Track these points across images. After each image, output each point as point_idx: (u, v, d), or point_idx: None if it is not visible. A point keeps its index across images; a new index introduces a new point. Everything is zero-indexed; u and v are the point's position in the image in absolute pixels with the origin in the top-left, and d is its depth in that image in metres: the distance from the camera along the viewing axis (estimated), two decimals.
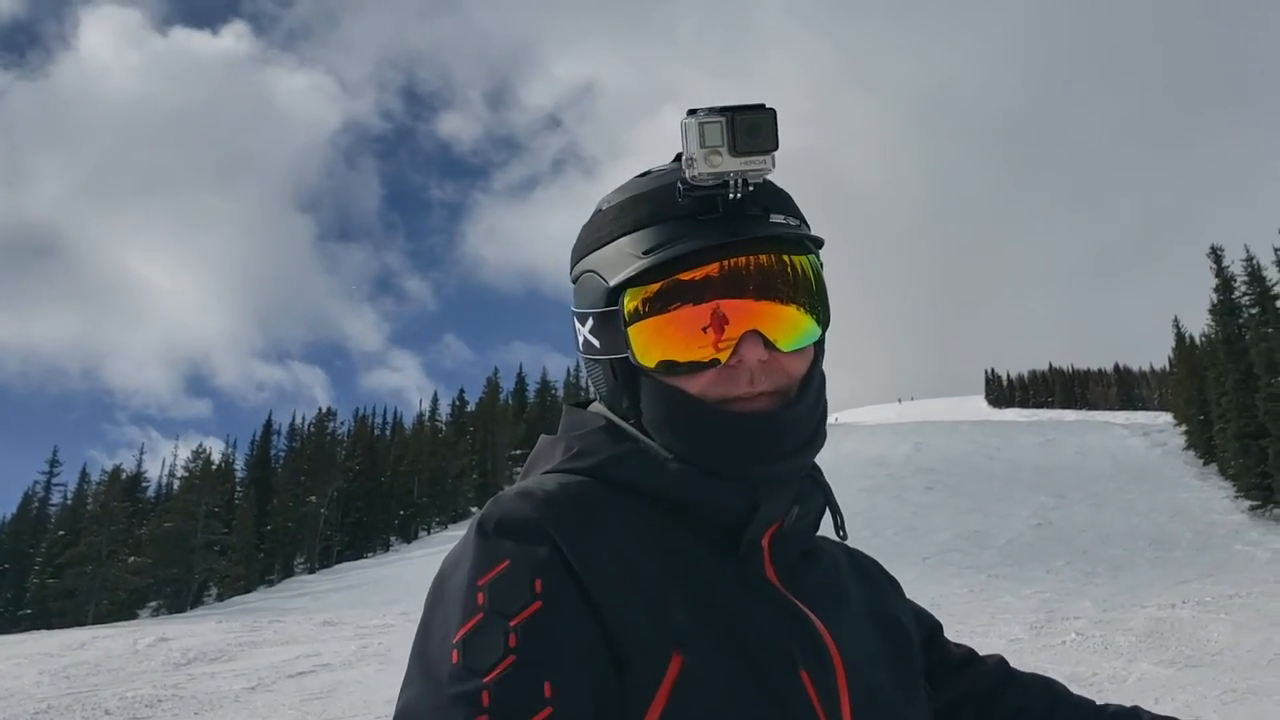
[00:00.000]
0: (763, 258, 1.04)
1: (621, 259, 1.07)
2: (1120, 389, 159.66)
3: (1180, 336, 75.35)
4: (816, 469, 1.17)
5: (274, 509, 73.05)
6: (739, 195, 1.02)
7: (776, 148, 1.02)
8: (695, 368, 1.04)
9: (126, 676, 15.54)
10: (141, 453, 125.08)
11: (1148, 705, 1.51)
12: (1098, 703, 1.32)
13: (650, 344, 1.05)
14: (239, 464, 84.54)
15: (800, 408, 1.08)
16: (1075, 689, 1.35)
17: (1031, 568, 28.54)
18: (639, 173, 1.17)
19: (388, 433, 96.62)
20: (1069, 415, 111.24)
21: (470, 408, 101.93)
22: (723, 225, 1.03)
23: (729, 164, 1.00)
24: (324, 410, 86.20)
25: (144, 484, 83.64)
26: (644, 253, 1.04)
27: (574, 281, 1.17)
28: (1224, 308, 53.58)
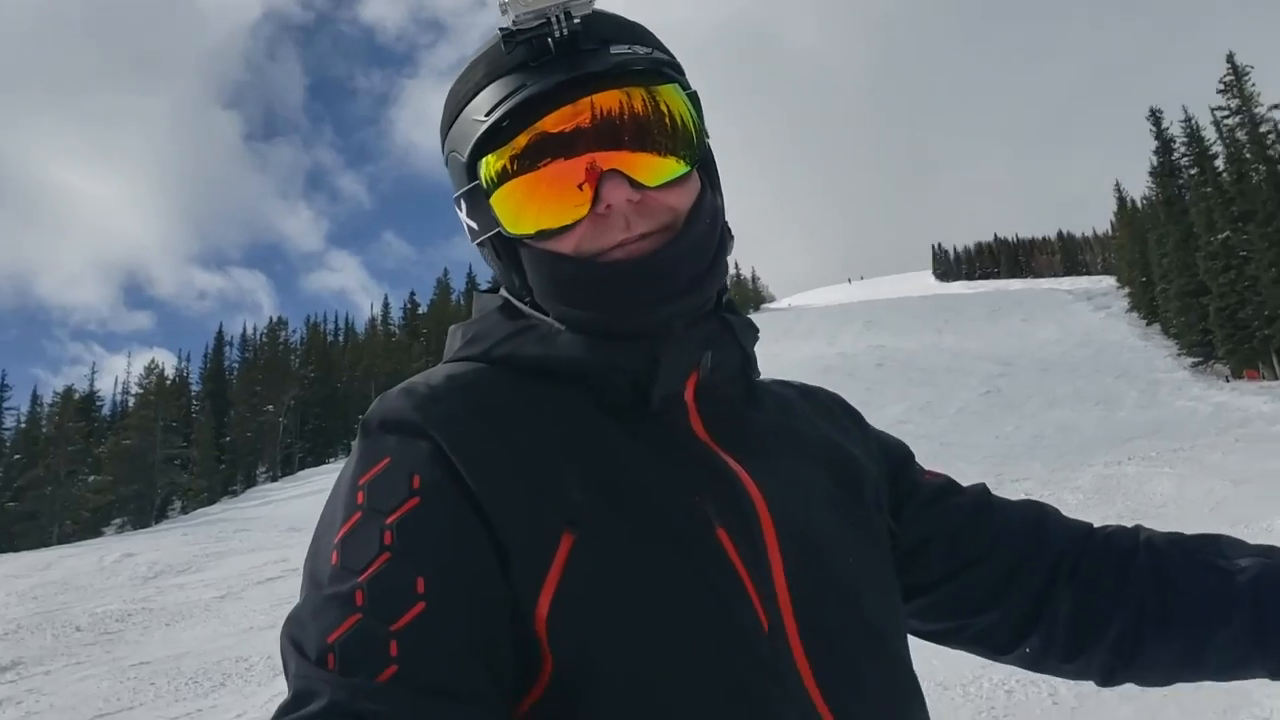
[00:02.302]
0: (612, 94, 0.96)
1: (469, 128, 1.00)
2: (1064, 256, 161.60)
3: (1121, 200, 76.64)
4: (730, 308, 1.12)
5: (232, 420, 73.02)
6: (564, 31, 0.95)
7: None
8: (557, 231, 0.98)
9: (95, 593, 15.73)
10: (93, 371, 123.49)
11: None
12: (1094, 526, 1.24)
13: (514, 212, 1.00)
14: (193, 377, 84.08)
15: (684, 243, 1.00)
16: None
17: (981, 434, 29.29)
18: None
19: (340, 339, 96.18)
20: (1015, 285, 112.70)
21: (422, 310, 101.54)
22: (558, 65, 0.96)
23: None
24: (274, 319, 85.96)
25: (98, 403, 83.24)
26: (485, 115, 0.98)
27: (447, 167, 1.10)
28: (1164, 169, 54.40)
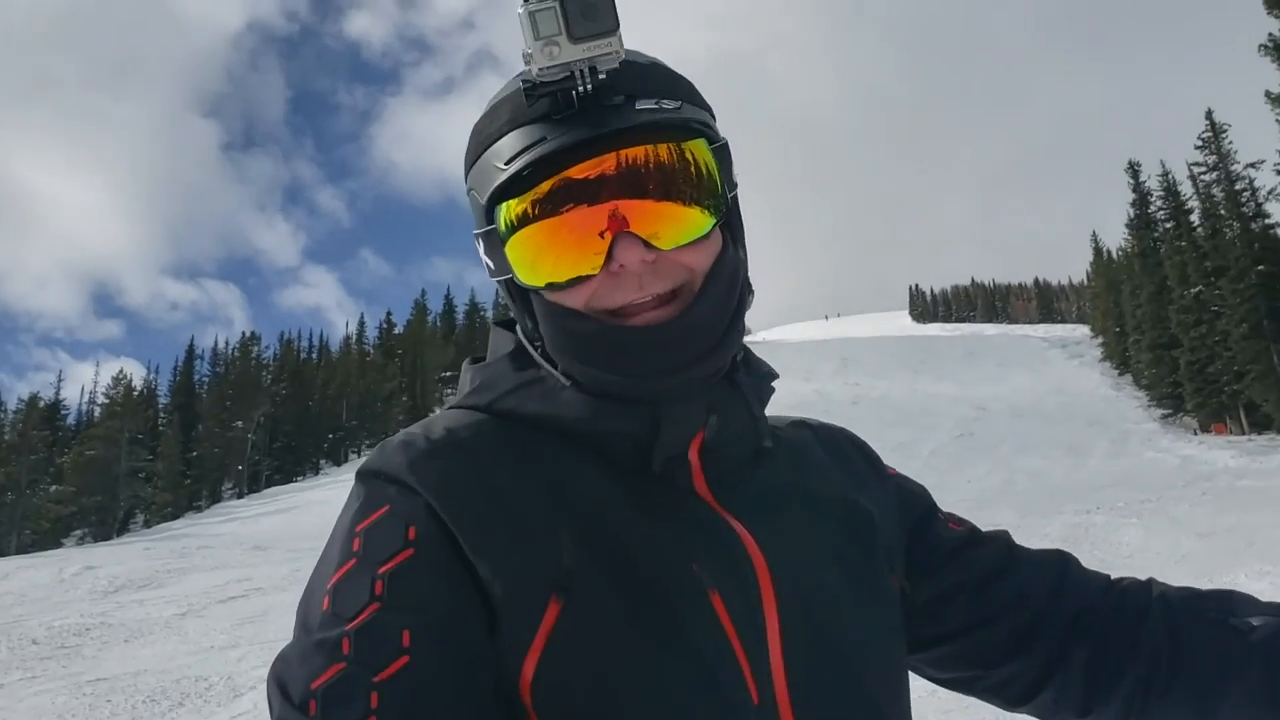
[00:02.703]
0: (627, 152, 0.94)
1: (489, 174, 0.98)
2: (1040, 302, 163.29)
3: (1098, 250, 77.29)
4: (746, 364, 1.11)
5: (200, 435, 72.42)
6: (589, 86, 0.93)
7: (617, 27, 0.94)
8: (566, 286, 0.97)
9: (52, 606, 15.46)
10: (60, 379, 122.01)
11: None
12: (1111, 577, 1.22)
13: (526, 263, 0.98)
14: (162, 390, 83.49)
15: (698, 311, 0.98)
16: None
17: (954, 477, 29.43)
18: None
19: (314, 356, 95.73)
20: (990, 329, 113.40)
21: (398, 330, 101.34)
22: (584, 120, 0.94)
23: (569, 53, 0.92)
24: (247, 334, 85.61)
25: (63, 411, 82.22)
26: (506, 163, 0.96)
27: (468, 198, 1.09)
28: (1140, 222, 55.06)
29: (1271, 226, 43.46)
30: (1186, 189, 50.06)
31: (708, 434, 1.01)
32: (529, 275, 0.98)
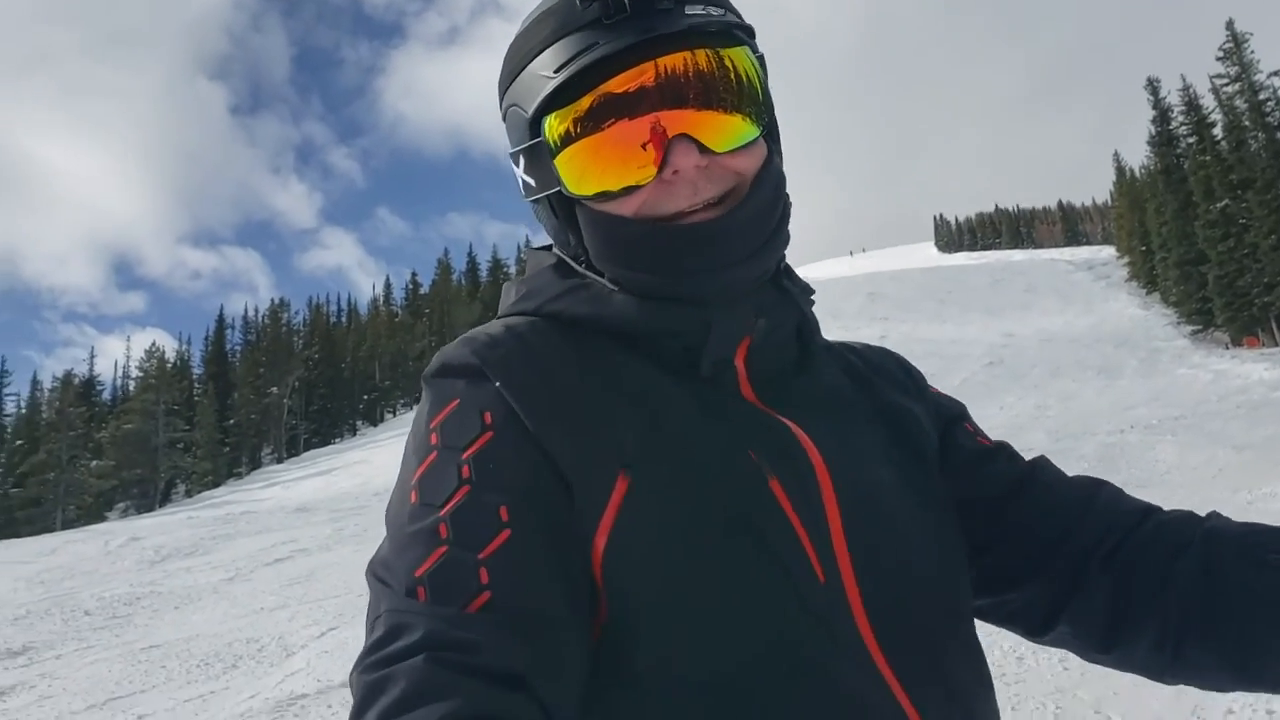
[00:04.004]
0: (681, 56, 0.94)
1: (535, 84, 0.98)
2: (1065, 226, 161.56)
3: (1120, 170, 76.48)
4: (789, 274, 1.11)
5: (235, 403, 73.19)
6: None
7: None
8: (620, 193, 0.97)
9: (102, 577, 15.74)
10: (92, 355, 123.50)
11: None
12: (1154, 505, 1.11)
13: (578, 172, 0.98)
14: (194, 360, 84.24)
15: (748, 209, 0.99)
16: None
17: (986, 405, 29.28)
18: None
19: (343, 319, 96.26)
20: (1016, 255, 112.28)
21: (424, 289, 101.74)
22: (633, 25, 0.93)
23: None
24: (276, 301, 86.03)
25: (98, 387, 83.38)
26: (554, 71, 0.96)
27: (505, 121, 1.09)
28: (1162, 139, 54.19)
29: None
30: (1208, 102, 49.35)
31: (754, 338, 1.03)
32: (580, 185, 0.99)
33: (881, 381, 1.18)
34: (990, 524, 1.11)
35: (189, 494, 61.49)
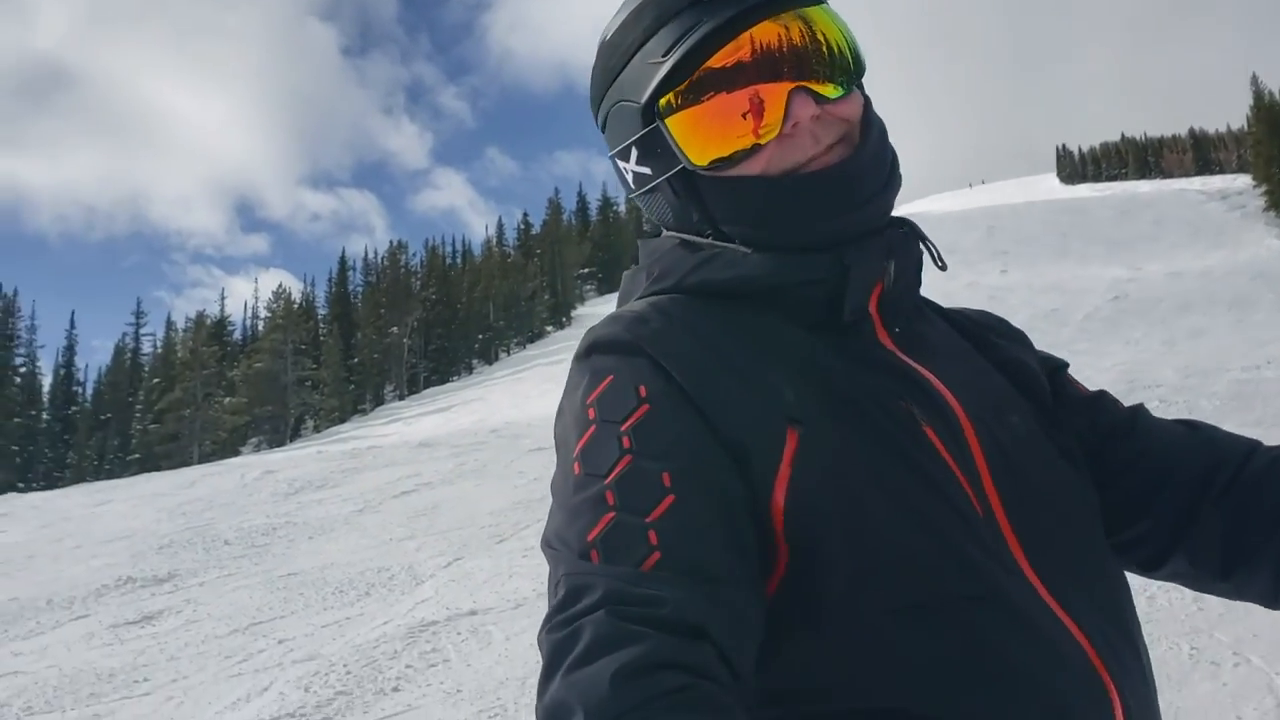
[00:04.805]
0: (782, 20, 1.01)
1: (645, 72, 1.04)
2: (1196, 154, 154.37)
3: (1258, 94, 72.75)
4: (904, 221, 1.13)
5: (358, 343, 75.11)
6: None
7: None
8: (748, 153, 1.02)
9: (239, 509, 16.31)
10: (223, 297, 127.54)
11: None
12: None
13: (699, 142, 1.03)
14: (319, 301, 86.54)
15: (867, 150, 1.05)
16: None
17: (1110, 341, 28.49)
18: None
19: (458, 260, 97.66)
20: (1144, 186, 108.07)
21: (535, 230, 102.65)
22: (726, 1, 1.00)
23: None
24: (394, 243, 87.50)
25: (229, 328, 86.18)
26: (664, 55, 1.02)
27: (603, 127, 1.15)
28: None
29: None
30: None
31: (886, 284, 1.07)
32: (704, 153, 1.03)
33: (992, 336, 1.25)
34: (1104, 464, 1.17)
35: (317, 429, 63.38)
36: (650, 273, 1.12)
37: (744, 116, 1.00)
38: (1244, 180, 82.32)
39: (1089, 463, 1.15)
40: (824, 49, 1.03)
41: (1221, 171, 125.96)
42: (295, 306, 75.37)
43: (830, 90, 1.02)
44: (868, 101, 1.11)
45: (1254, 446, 1.15)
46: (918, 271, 1.14)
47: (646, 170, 1.09)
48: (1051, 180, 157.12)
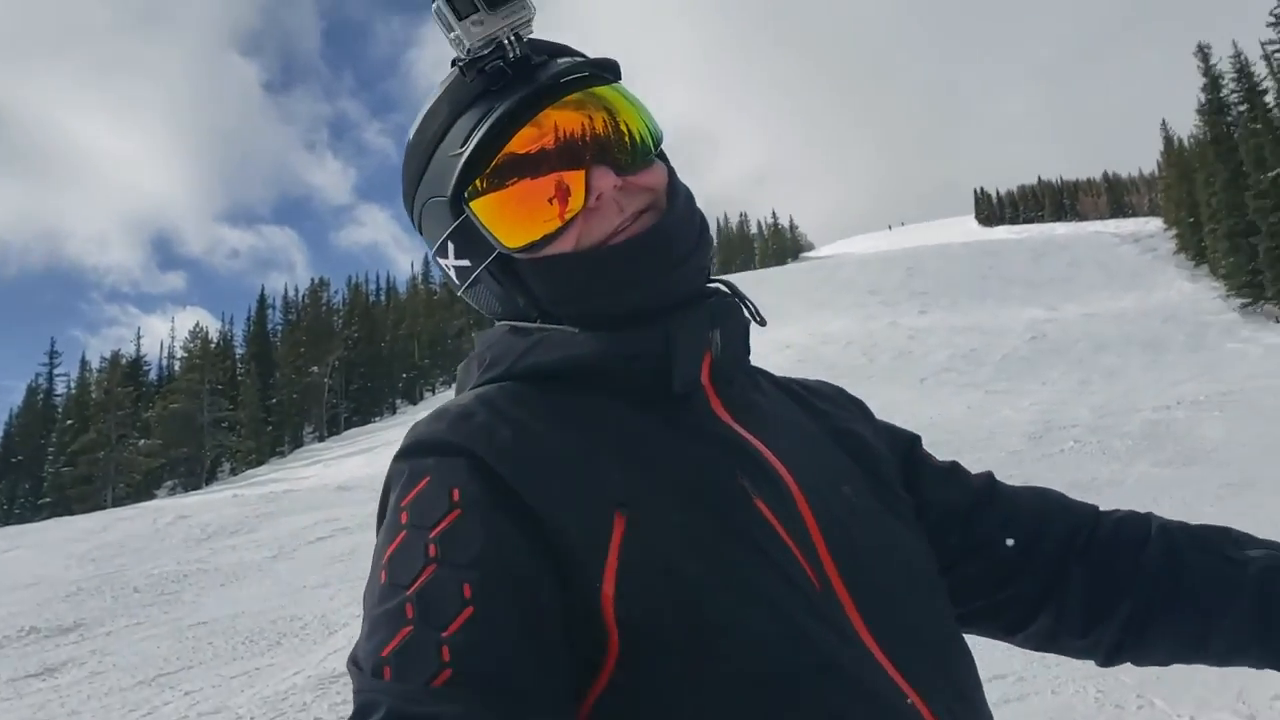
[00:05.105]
0: (574, 98, 1.04)
1: (448, 165, 1.06)
2: (1110, 197, 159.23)
3: (1168, 139, 75.29)
4: (726, 285, 1.15)
5: (277, 382, 74.13)
6: (518, 51, 1.03)
7: None
8: (557, 233, 1.03)
9: (151, 555, 15.92)
10: (139, 336, 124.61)
11: (1146, 505, 1.50)
12: (1101, 508, 1.27)
13: (507, 226, 1.04)
14: (237, 340, 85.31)
15: (675, 214, 1.08)
16: (1075, 495, 1.28)
17: (1028, 380, 29.07)
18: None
19: (382, 298, 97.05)
20: (1060, 228, 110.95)
21: None
22: (518, 84, 1.03)
23: (493, 23, 1.01)
24: (316, 281, 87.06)
25: (144, 367, 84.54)
26: (462, 145, 1.03)
27: (419, 226, 1.16)
28: (1212, 106, 53.32)
29: None
30: (1260, 69, 48.54)
31: (714, 353, 1.07)
32: (515, 237, 1.04)
33: (826, 406, 1.27)
34: (967, 535, 1.22)
35: (234, 472, 62.45)
36: (482, 362, 1.11)
37: (549, 201, 1.02)
38: (1155, 223, 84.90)
39: (958, 531, 1.21)
40: (620, 125, 1.06)
41: (1134, 215, 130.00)
42: (212, 346, 74.42)
43: (630, 159, 1.06)
44: (671, 169, 1.13)
45: (1097, 510, 1.25)
46: (745, 338, 1.15)
47: (466, 263, 1.10)
48: (970, 222, 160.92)
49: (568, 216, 1.02)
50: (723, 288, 1.13)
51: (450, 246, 1.10)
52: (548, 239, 1.03)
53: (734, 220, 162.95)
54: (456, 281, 1.14)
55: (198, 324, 75.14)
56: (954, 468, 1.30)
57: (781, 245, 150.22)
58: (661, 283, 1.04)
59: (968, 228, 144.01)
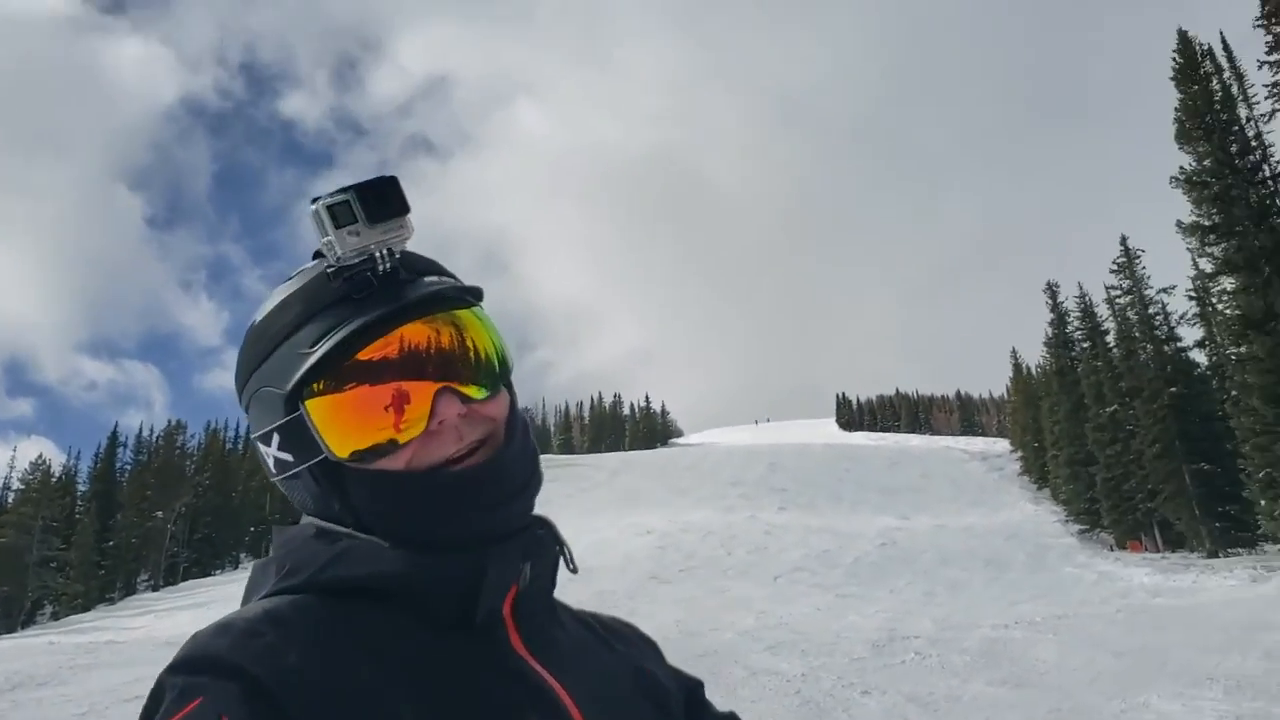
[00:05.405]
0: (433, 321, 1.03)
1: (292, 361, 1.02)
2: (962, 415, 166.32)
3: (1017, 366, 79.21)
4: (542, 521, 1.13)
5: (118, 524, 70.46)
6: (388, 265, 1.03)
7: (409, 210, 1.04)
8: (389, 448, 1.00)
9: None
10: None
11: None
12: None
13: (339, 432, 1.01)
14: (81, 476, 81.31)
15: (512, 449, 1.07)
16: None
17: (876, 587, 29.69)
18: (283, 280, 1.13)
19: (239, 446, 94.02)
20: (914, 440, 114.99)
21: None
22: (381, 297, 1.02)
23: (369, 237, 1.01)
24: (173, 422, 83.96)
25: None
26: (310, 347, 1.00)
27: (247, 408, 1.11)
28: (1058, 340, 56.79)
29: (1183, 350, 45.12)
30: (1103, 311, 51.76)
31: (521, 585, 1.05)
32: (344, 446, 1.01)
33: (622, 645, 1.27)
34: None
35: (55, 616, 58.65)
36: (281, 566, 1.04)
37: (386, 409, 1.00)
38: (1003, 444, 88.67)
39: None
40: (471, 351, 1.06)
41: (984, 434, 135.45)
42: (53, 480, 70.76)
43: (476, 391, 1.05)
44: (514, 401, 1.13)
45: None
46: (553, 574, 1.14)
47: (289, 457, 1.06)
48: (831, 425, 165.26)
49: (403, 434, 1.00)
50: (543, 521, 1.12)
51: (275, 438, 1.06)
52: (379, 451, 1.01)
53: (608, 399, 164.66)
54: (273, 470, 1.09)
55: (40, 455, 71.87)
56: (730, 715, 1.33)
57: (652, 428, 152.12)
58: (487, 519, 1.03)
59: (829, 430, 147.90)
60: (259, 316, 1.09)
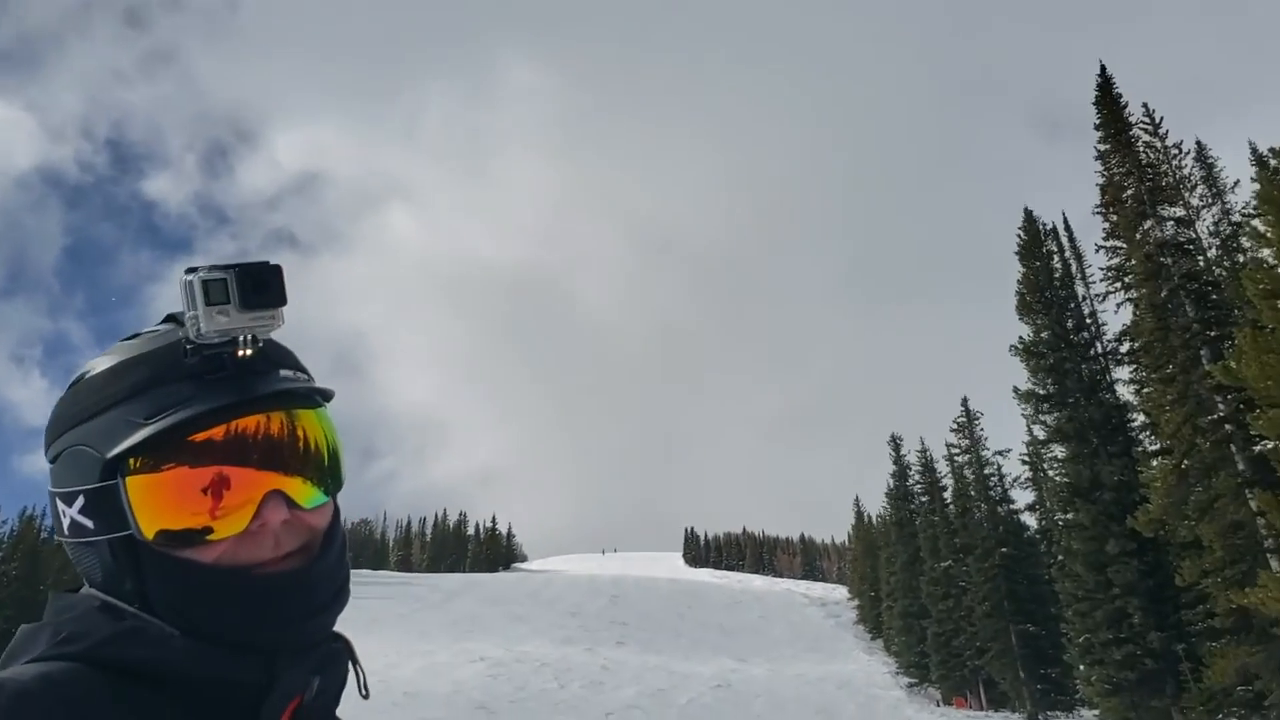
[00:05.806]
0: (276, 416, 1.00)
1: (120, 428, 0.97)
2: (804, 559, 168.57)
3: (859, 514, 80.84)
4: (339, 636, 1.09)
5: None
6: (248, 352, 0.99)
7: (285, 303, 1.01)
8: (202, 536, 0.96)
9: None
10: None
11: None
12: None
13: (152, 511, 0.95)
14: None
15: (327, 561, 1.04)
16: None
17: None
18: (125, 337, 1.09)
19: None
20: (757, 580, 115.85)
21: None
22: (232, 384, 0.99)
23: (237, 321, 0.97)
24: None
25: None
26: (146, 418, 0.96)
27: (54, 460, 1.05)
28: (899, 492, 58.31)
29: (1015, 512, 46.49)
30: (943, 467, 53.25)
31: (306, 699, 1.01)
32: (160, 523, 0.96)
33: None
34: None
35: None
36: (57, 632, 0.97)
37: (204, 493, 0.96)
38: (842, 591, 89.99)
39: None
40: (306, 451, 1.03)
41: (825, 579, 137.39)
42: None
43: (305, 497, 1.02)
44: (337, 513, 1.10)
45: None
46: (339, 691, 1.09)
47: (88, 523, 1.00)
48: (677, 559, 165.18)
49: (221, 530, 0.96)
50: (340, 637, 1.09)
51: (79, 500, 1.00)
52: (189, 537, 0.96)
53: (453, 517, 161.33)
54: (66, 531, 1.04)
55: None
56: None
57: (495, 551, 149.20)
58: (287, 630, 0.99)
59: (675, 564, 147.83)
60: (95, 370, 1.04)
